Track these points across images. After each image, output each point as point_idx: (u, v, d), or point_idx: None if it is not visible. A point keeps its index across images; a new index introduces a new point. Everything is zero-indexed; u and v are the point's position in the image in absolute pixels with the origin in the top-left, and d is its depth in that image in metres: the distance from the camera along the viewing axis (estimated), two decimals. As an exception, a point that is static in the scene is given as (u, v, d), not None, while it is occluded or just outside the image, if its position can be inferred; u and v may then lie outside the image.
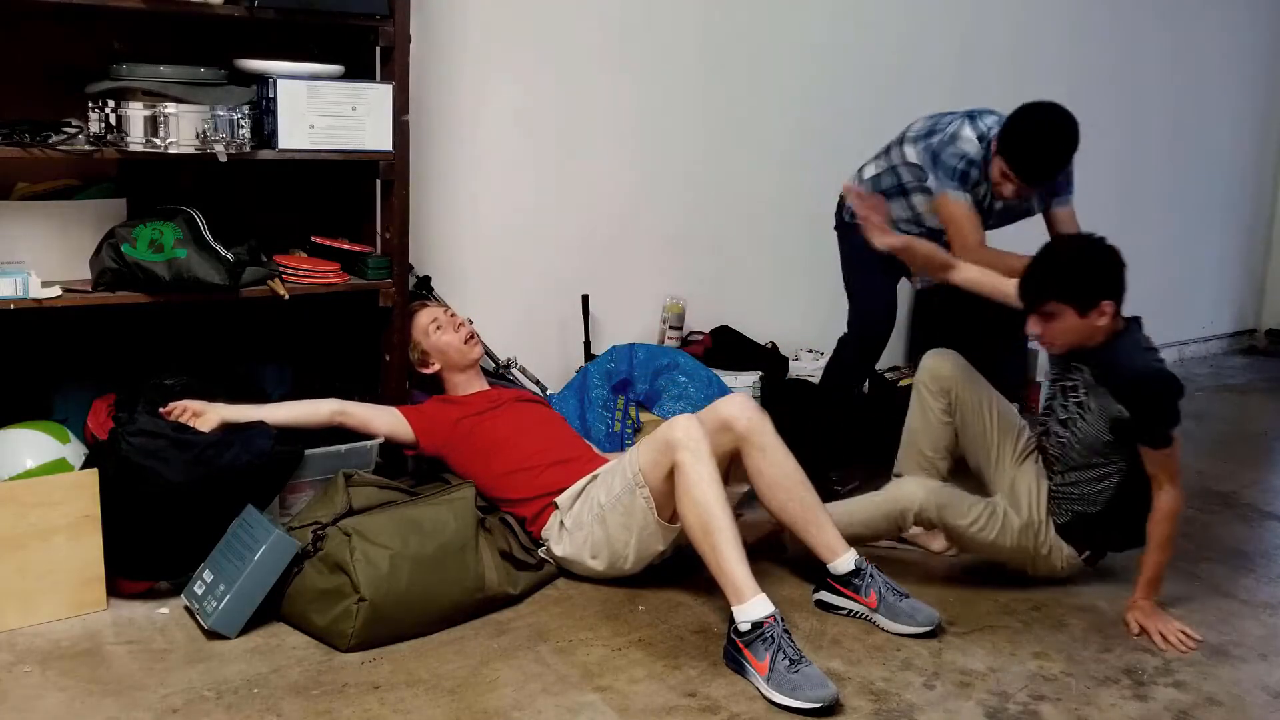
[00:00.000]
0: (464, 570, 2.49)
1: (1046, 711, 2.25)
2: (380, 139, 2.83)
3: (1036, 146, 2.87)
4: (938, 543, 2.94)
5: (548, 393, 3.42)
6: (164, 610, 2.49)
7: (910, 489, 2.71)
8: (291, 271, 2.81)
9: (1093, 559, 2.76)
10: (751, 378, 3.63)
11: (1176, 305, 5.53)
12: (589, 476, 2.72)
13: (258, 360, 3.02)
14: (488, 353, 3.28)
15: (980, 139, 3.01)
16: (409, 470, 2.94)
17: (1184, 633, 2.53)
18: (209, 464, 2.45)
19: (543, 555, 2.73)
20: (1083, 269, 2.55)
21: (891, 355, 4.36)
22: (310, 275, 2.83)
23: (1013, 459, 2.83)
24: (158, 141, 2.54)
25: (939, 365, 2.91)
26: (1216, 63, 5.36)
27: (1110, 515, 2.68)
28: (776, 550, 2.83)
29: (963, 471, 2.93)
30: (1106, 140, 4.98)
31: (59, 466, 2.51)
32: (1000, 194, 2.98)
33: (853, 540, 2.62)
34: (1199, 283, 5.62)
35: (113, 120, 2.54)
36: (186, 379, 2.71)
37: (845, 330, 3.37)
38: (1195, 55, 5.25)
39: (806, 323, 4.05)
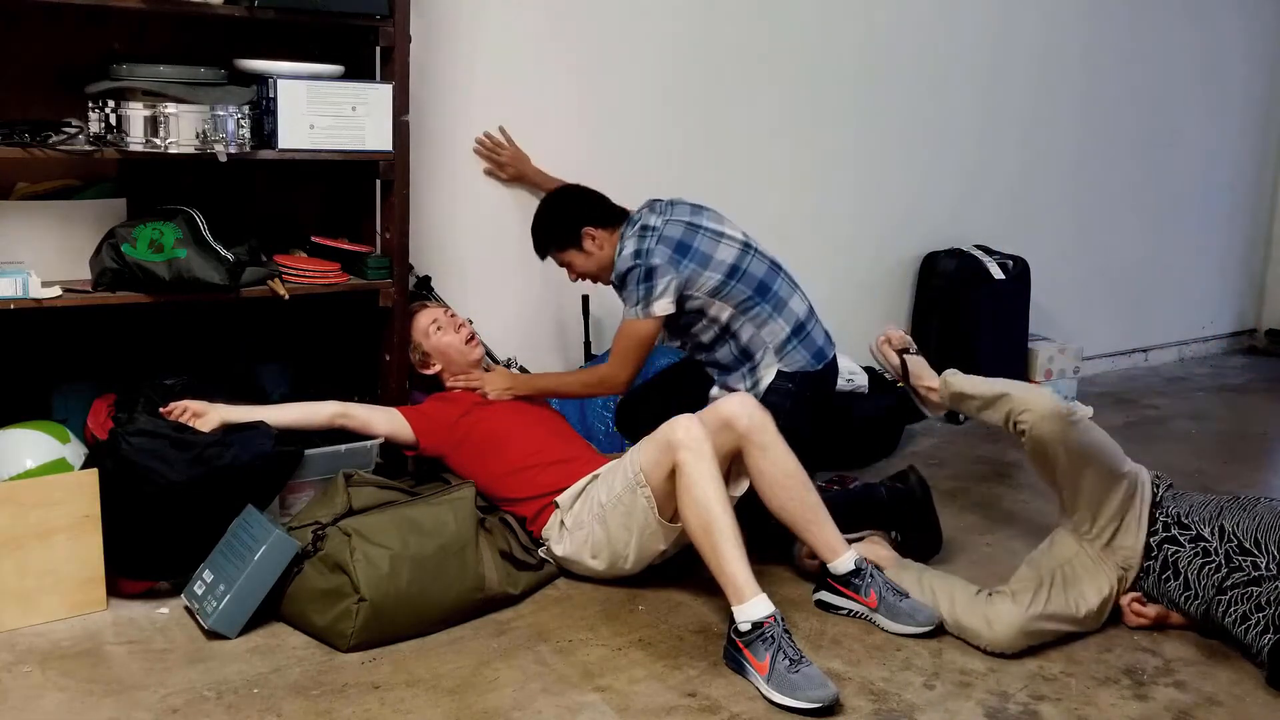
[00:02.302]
0: (464, 570, 2.49)
1: (1046, 711, 2.25)
2: (380, 139, 2.82)
3: None
4: (929, 410, 2.94)
5: (548, 393, 3.42)
6: (164, 610, 2.49)
7: (1000, 634, 2.42)
8: (291, 271, 2.81)
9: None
10: (751, 378, 3.62)
11: (1176, 305, 5.53)
12: (590, 476, 2.71)
13: (258, 360, 3.02)
14: (488, 353, 3.28)
15: None
16: (409, 470, 2.94)
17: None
18: (209, 464, 2.45)
19: (543, 555, 2.73)
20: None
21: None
22: (310, 275, 2.83)
23: (1103, 528, 2.58)
24: (158, 141, 2.54)
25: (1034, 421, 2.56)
26: (1217, 63, 5.36)
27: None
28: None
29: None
30: (1107, 140, 5.00)
31: (59, 466, 2.51)
32: None
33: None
34: (1199, 283, 5.62)
35: (113, 120, 2.54)
36: (186, 379, 2.72)
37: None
38: (1196, 56, 5.25)
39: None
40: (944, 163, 4.46)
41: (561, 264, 3.08)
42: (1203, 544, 2.48)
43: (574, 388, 3.14)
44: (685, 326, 3.01)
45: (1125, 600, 2.57)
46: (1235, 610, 2.40)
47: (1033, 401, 2.56)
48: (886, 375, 3.00)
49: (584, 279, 3.11)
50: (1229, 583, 2.42)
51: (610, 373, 2.98)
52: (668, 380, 3.25)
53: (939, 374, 2.89)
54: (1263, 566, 2.40)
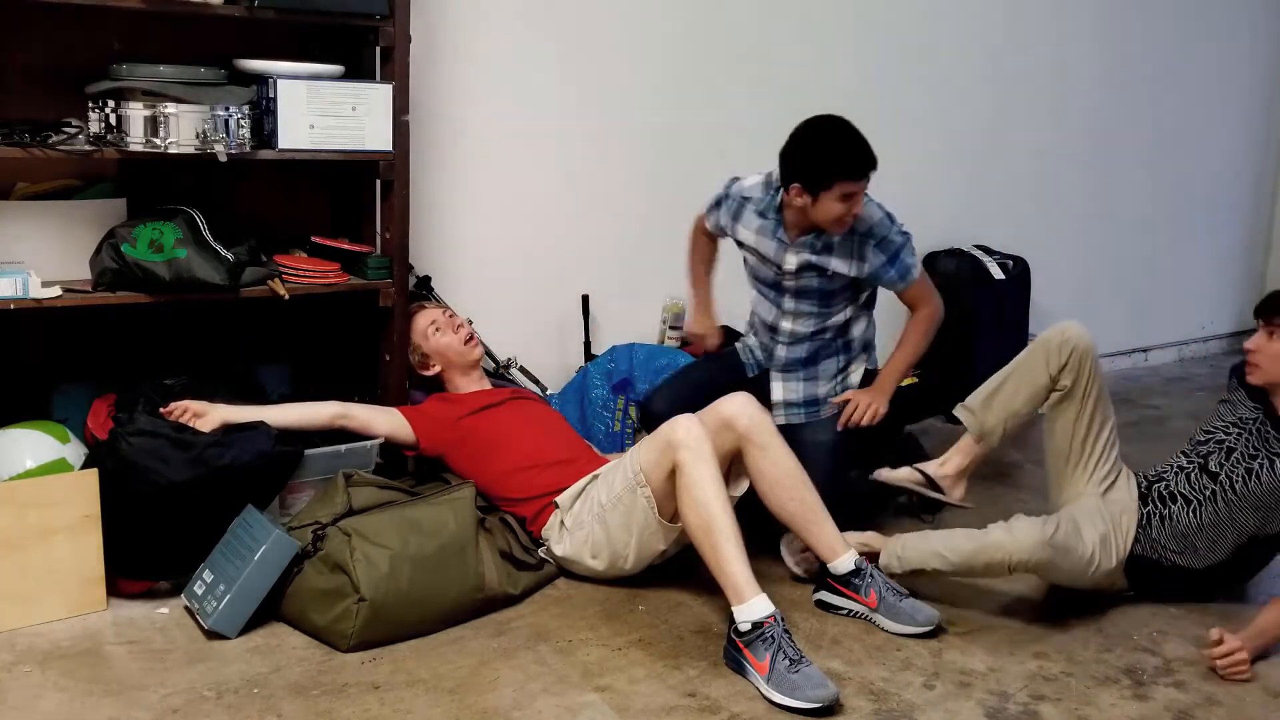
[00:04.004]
0: (464, 570, 2.49)
1: (1046, 711, 2.25)
2: (380, 139, 2.83)
3: (809, 142, 2.81)
4: (958, 491, 2.94)
5: (548, 393, 3.42)
6: (164, 610, 2.49)
7: (1022, 541, 2.47)
8: (291, 271, 2.81)
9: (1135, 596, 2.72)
10: (751, 378, 3.62)
11: (1176, 305, 5.53)
12: (590, 476, 2.72)
13: (258, 360, 3.02)
14: (488, 353, 3.28)
15: (766, 185, 3.04)
16: (409, 470, 2.94)
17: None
18: (209, 464, 2.45)
19: (543, 555, 2.73)
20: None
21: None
22: (310, 275, 2.83)
23: (1099, 480, 2.74)
24: (158, 141, 2.54)
25: (1077, 333, 2.75)
26: (1218, 64, 5.36)
27: (1194, 576, 2.67)
28: None
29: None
30: (1107, 140, 5.00)
31: (59, 466, 2.51)
32: (803, 223, 2.89)
33: (920, 572, 2.59)
34: (1199, 283, 5.62)
35: (113, 120, 2.54)
36: (186, 379, 2.72)
37: None
38: (1197, 56, 5.25)
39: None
40: (944, 163, 4.46)
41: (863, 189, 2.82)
42: (1179, 464, 2.75)
43: (919, 347, 3.05)
44: (830, 294, 2.99)
45: (1214, 653, 2.41)
46: (1236, 474, 2.60)
47: (1064, 325, 2.79)
48: (903, 496, 3.06)
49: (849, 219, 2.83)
50: (1212, 466, 2.66)
51: (936, 307, 3.04)
52: (693, 376, 3.23)
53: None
54: (1222, 438, 2.69)
